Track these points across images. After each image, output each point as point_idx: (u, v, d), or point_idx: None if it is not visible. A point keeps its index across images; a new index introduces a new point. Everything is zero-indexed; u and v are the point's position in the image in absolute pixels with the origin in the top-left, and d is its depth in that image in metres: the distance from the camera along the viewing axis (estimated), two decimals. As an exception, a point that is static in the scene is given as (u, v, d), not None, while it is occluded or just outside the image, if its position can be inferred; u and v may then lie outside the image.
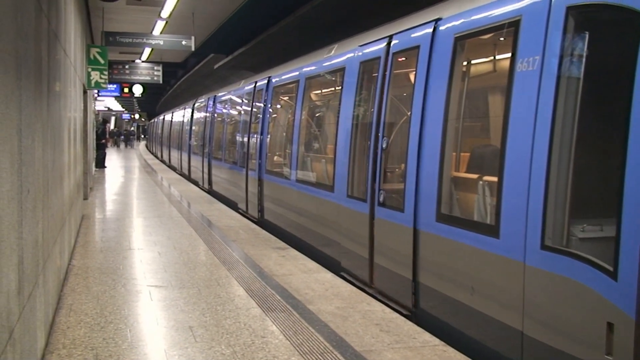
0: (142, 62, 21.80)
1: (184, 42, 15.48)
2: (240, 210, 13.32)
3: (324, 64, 9.04)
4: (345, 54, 8.20)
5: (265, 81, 12.27)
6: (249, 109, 13.43)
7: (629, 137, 3.60)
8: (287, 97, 11.31)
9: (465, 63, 5.77)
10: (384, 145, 6.70)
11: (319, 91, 10.12)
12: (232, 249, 8.75)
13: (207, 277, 7.07)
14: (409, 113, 6.26)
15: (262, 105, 12.32)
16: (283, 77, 11.18)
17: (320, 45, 10.13)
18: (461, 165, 5.76)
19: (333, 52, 8.81)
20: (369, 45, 7.44)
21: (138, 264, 7.79)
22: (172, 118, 33.23)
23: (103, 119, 33.76)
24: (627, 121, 3.62)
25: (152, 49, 18.83)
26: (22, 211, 3.60)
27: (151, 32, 16.47)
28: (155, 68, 20.75)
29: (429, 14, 6.28)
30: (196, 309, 5.85)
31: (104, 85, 14.31)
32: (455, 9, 5.78)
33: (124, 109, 69.87)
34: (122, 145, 58.46)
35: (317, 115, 10.00)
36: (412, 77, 6.35)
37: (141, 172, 24.64)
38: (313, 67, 9.55)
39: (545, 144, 4.27)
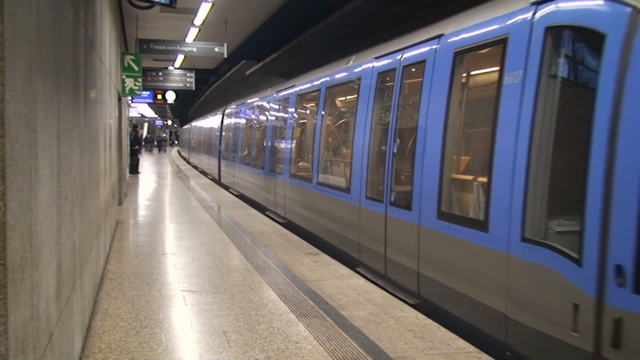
0: (175, 69, 22.02)
1: (216, 49, 15.62)
2: (267, 213, 13.94)
3: (344, 74, 9.67)
4: (362, 65, 8.84)
5: (290, 89, 12.93)
6: (276, 115, 14.16)
7: (592, 143, 4.22)
8: (310, 105, 11.90)
9: (463, 75, 6.41)
10: (394, 150, 7.35)
11: (339, 99, 10.69)
12: (264, 254, 8.78)
13: (240, 282, 7.10)
14: (415, 120, 6.90)
15: (286, 112, 13.11)
16: (306, 85, 11.82)
17: (352, 51, 10.21)
18: (458, 168, 6.38)
19: (351, 62, 9.47)
20: (384, 57, 8.07)
21: (172, 269, 7.86)
22: (202, 124, 34.01)
23: (133, 124, 34.09)
24: (589, 128, 4.25)
25: (185, 56, 19.01)
26: (61, 217, 3.65)
27: (184, 39, 16.64)
28: (188, 75, 20.94)
29: (434, 30, 6.94)
30: (230, 313, 5.87)
31: (138, 92, 14.49)
32: (455, 25, 6.43)
33: (156, 116, 70.64)
34: (155, 151, 60.68)
35: (337, 122, 10.62)
36: (419, 87, 6.94)
37: (173, 178, 24.87)
38: (334, 77, 10.18)
39: (526, 148, 4.91)
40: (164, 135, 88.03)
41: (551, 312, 4.52)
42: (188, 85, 20.98)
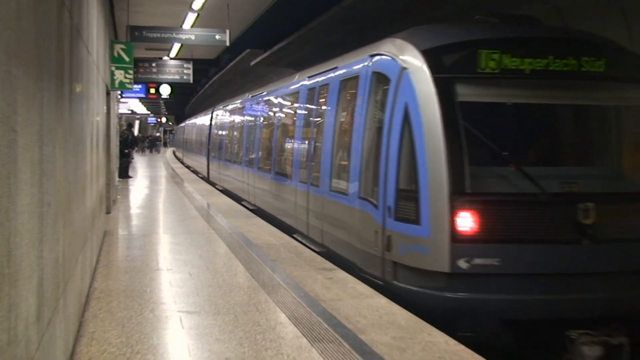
0: (171, 59, 22.10)
1: (217, 37, 15.64)
2: (243, 203, 17.84)
3: (291, 87, 13.88)
4: (300, 82, 13.08)
5: (260, 96, 17.26)
6: (250, 117, 18.57)
7: (381, 144, 8.03)
8: (272, 109, 16.04)
9: (345, 96, 10.11)
10: (313, 147, 11.39)
11: (288, 107, 14.59)
12: (272, 269, 8.78)
13: (244, 302, 7.11)
14: (323, 126, 10.85)
15: (257, 114, 17.48)
16: (270, 93, 16.27)
17: (366, 42, 10.54)
18: (339, 157, 9.98)
19: (296, 78, 13.75)
20: (311, 78, 12.24)
21: (167, 286, 7.88)
22: (195, 124, 37.77)
23: (128, 123, 34.23)
24: (381, 135, 8.11)
25: (182, 45, 19.09)
26: (43, 227, 3.66)
27: (181, 26, 16.70)
28: (185, 66, 21.02)
29: (335, 63, 10.98)
30: (233, 338, 5.87)
31: (129, 86, 14.53)
32: (343, 61, 10.51)
33: (149, 112, 70.97)
34: (147, 151, 62.12)
35: (286, 124, 14.52)
36: (325, 102, 11.02)
37: (168, 183, 24.96)
38: (286, 88, 14.45)
39: (360, 146, 8.80)
40: (158, 134, 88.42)
41: (368, 238, 8.28)
42: (185, 77, 21.07)
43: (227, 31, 15.69)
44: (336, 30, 17.28)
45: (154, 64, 20.79)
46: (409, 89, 7.66)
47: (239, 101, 21.33)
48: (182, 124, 54.78)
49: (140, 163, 39.72)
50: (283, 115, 14.85)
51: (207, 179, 27.73)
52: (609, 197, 7.61)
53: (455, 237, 7.00)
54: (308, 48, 20.32)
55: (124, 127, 30.30)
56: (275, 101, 15.43)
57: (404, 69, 7.83)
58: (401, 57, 8.03)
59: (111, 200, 15.05)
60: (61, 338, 4.57)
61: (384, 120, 8.01)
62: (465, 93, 7.58)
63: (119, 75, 14.18)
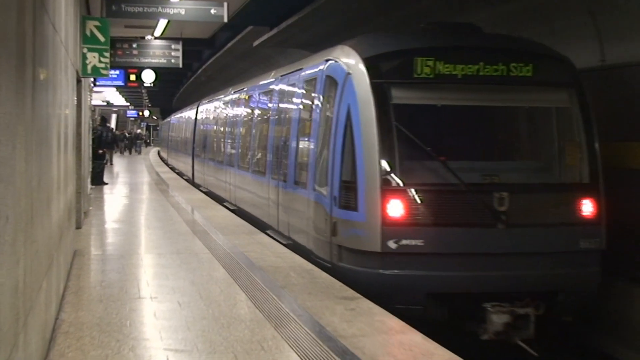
0: (156, 39, 22.14)
1: (213, 11, 15.66)
2: (225, 204, 20.69)
3: (268, 86, 16.86)
4: (273, 80, 16.25)
5: (241, 91, 20.65)
6: (232, 113, 21.77)
7: (330, 143, 10.89)
8: (250, 106, 19.14)
9: (307, 97, 12.99)
10: (282, 145, 14.25)
11: (264, 104, 17.48)
12: (280, 298, 8.78)
13: (246, 339, 7.10)
14: (290, 123, 13.81)
15: (237, 111, 20.81)
16: (252, 88, 19.28)
17: (392, 17, 11.23)
18: (302, 154, 12.75)
19: (272, 76, 16.88)
20: (282, 77, 15.25)
21: (151, 319, 7.89)
22: (180, 119, 40.54)
23: (102, 117, 34.30)
24: (330, 129, 10.95)
25: (169, 21, 19.10)
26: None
27: (168, -2, 16.71)
28: (173, 47, 21.11)
29: (300, 65, 13.99)
30: (232, 383, 5.85)
31: (104, 72, 14.53)
32: (307, 64, 13.47)
33: (128, 104, 71.21)
34: (127, 151, 63.33)
35: (263, 122, 17.51)
36: (292, 102, 14.22)
37: (152, 191, 25.05)
38: (264, 86, 17.36)
39: (315, 142, 11.61)
40: (139, 130, 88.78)
41: (320, 226, 11.00)
42: (173, 61, 21.16)
43: (225, 4, 15.70)
44: (357, 3, 17.26)
45: (134, 45, 20.90)
46: (351, 93, 10.43)
47: (221, 96, 24.69)
48: (168, 119, 56.40)
49: (118, 166, 39.93)
50: (258, 113, 18.06)
51: (192, 181, 31.19)
52: (521, 187, 10.27)
53: (386, 221, 9.66)
54: (323, 25, 20.32)
55: (98, 122, 30.35)
56: (253, 98, 18.64)
57: (348, 74, 10.58)
58: (347, 63, 10.80)
59: (82, 212, 15.07)
60: (21, 383, 4.55)
61: (333, 120, 10.85)
62: (399, 96, 10.29)
63: (93, 58, 14.20)
